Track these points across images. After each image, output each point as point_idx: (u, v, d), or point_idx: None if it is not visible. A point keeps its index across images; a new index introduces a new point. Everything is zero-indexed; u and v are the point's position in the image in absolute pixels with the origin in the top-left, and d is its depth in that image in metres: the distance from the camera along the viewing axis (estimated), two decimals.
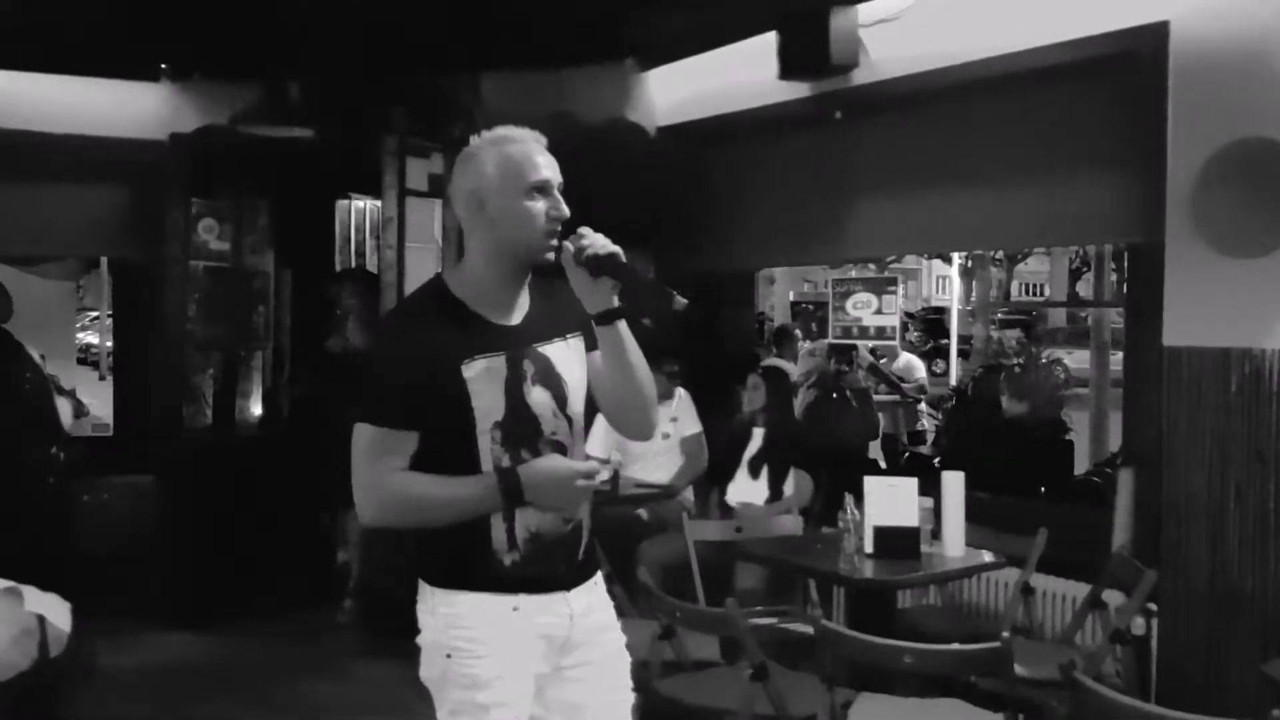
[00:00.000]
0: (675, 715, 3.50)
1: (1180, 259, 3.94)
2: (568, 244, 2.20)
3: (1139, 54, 4.05)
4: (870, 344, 8.46)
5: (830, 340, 8.47)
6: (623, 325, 2.25)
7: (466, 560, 2.22)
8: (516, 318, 2.27)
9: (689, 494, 5.73)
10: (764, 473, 5.30)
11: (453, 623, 2.20)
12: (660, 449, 5.68)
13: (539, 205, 2.20)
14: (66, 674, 3.75)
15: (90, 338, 22.66)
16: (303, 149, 6.14)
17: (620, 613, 2.43)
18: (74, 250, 7.89)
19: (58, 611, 3.77)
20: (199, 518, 5.95)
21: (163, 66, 6.09)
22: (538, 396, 2.24)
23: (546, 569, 2.24)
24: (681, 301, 2.15)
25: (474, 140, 2.27)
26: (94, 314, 23.29)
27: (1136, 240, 4.30)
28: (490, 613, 2.20)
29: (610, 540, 4.36)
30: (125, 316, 7.61)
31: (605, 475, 5.24)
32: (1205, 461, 3.87)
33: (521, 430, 2.21)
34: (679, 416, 5.77)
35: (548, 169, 2.23)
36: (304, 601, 6.00)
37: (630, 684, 2.38)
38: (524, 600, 2.21)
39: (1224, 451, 3.82)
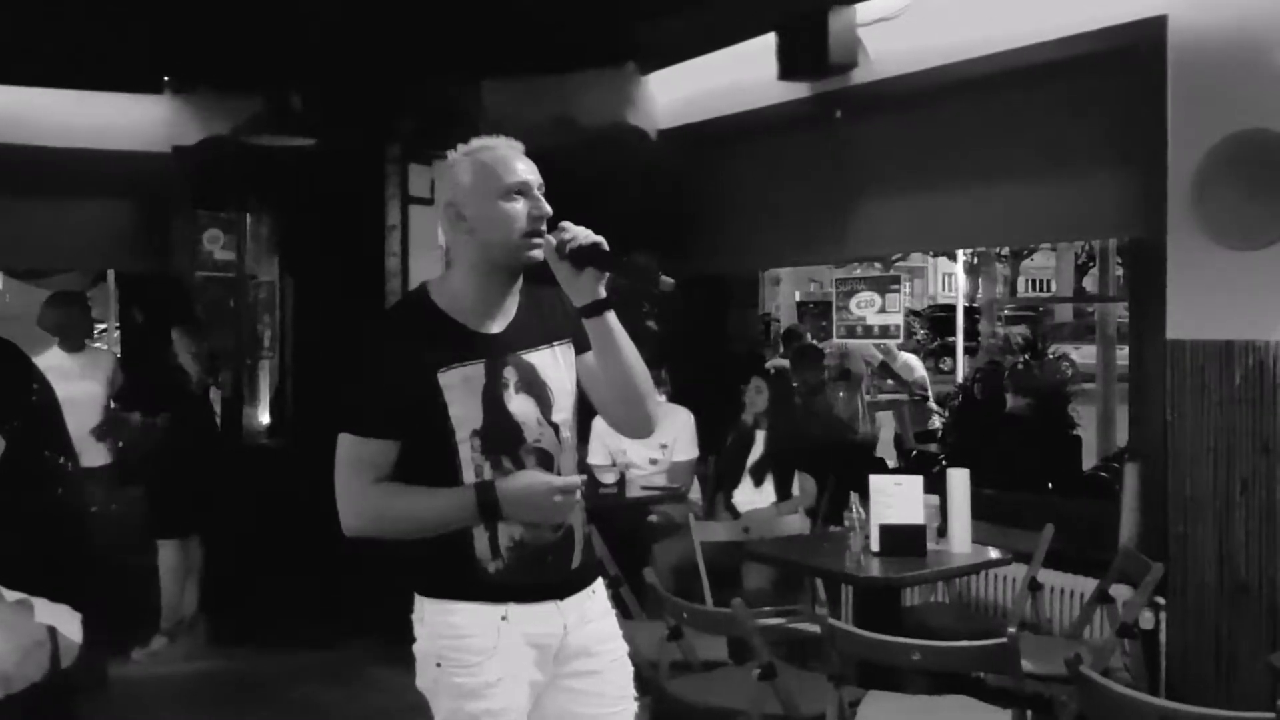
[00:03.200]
0: (684, 716, 3.51)
1: (1182, 252, 3.94)
2: (550, 238, 2.18)
3: (1138, 48, 4.06)
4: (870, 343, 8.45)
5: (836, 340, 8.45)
6: (611, 316, 2.21)
7: (450, 570, 2.20)
8: (499, 325, 2.24)
9: (697, 495, 5.70)
10: (768, 479, 5.28)
11: (441, 632, 2.18)
12: (648, 474, 5.57)
13: (517, 206, 2.18)
14: (78, 685, 3.76)
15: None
16: (305, 158, 6.16)
17: (628, 614, 2.40)
18: (80, 263, 7.96)
19: (68, 622, 3.74)
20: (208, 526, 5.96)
21: (165, 79, 6.12)
22: (520, 404, 2.20)
23: (535, 577, 2.20)
24: (669, 281, 2.15)
25: (450, 154, 2.26)
26: (101, 326, 23.33)
27: (1138, 234, 4.30)
28: (478, 622, 2.16)
29: (618, 543, 4.39)
30: (132, 328, 7.64)
31: (611, 479, 5.28)
32: (1211, 454, 3.88)
33: (502, 438, 2.18)
34: (670, 442, 5.56)
35: (525, 171, 2.21)
36: (315, 608, 6.00)
37: (633, 694, 2.34)
38: (512, 609, 2.18)
39: (1229, 444, 3.83)
